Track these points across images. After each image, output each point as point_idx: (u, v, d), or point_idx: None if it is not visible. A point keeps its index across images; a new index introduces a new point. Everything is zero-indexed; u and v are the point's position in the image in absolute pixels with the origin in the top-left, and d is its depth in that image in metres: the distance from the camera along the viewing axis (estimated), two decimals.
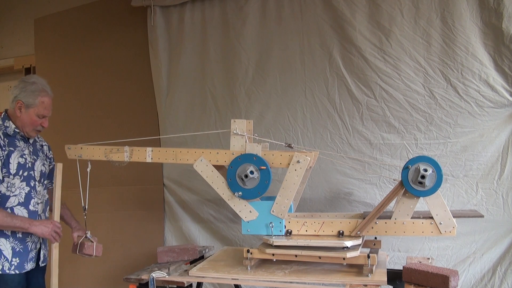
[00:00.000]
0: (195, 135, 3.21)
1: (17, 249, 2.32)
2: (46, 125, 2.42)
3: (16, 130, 2.36)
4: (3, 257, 2.27)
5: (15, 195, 2.32)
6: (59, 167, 2.42)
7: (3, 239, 2.28)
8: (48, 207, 2.54)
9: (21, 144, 2.38)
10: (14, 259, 2.30)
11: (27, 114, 2.34)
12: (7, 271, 2.28)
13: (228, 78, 3.20)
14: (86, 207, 2.48)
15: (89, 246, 2.42)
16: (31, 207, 2.37)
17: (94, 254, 2.43)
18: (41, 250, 2.45)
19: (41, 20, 4.00)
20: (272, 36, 3.07)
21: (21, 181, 2.34)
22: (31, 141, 2.46)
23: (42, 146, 2.58)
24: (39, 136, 2.60)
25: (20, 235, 2.33)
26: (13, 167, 2.30)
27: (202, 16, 3.26)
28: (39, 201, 2.43)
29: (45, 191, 2.50)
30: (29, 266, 2.37)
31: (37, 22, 4.02)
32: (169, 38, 3.37)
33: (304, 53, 2.98)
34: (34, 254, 2.40)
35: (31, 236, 2.37)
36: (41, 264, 2.46)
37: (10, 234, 2.31)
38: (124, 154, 2.42)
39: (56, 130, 3.79)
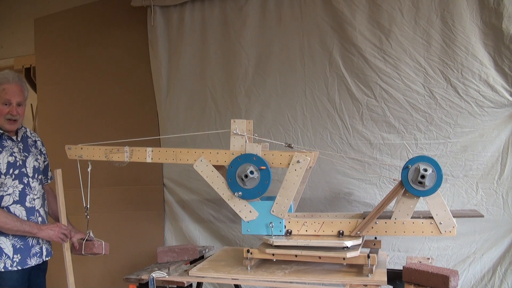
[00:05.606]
0: (195, 135, 3.20)
1: (18, 246, 2.34)
2: (14, 112, 2.36)
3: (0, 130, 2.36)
4: (4, 255, 2.29)
5: (9, 194, 2.33)
6: (58, 173, 2.43)
7: (3, 238, 2.30)
8: (46, 201, 2.55)
9: (8, 143, 2.39)
10: (15, 256, 2.32)
11: None
12: (10, 268, 2.30)
13: (228, 78, 3.20)
14: (88, 206, 2.49)
15: (99, 245, 2.44)
16: (27, 204, 2.38)
17: (103, 253, 2.45)
18: (43, 245, 2.46)
19: (41, 20, 4.00)
20: (272, 36, 3.07)
21: (13, 180, 2.34)
22: (19, 138, 2.46)
23: (35, 141, 2.58)
24: (31, 132, 2.60)
25: None
26: (3, 167, 2.31)
27: (202, 16, 3.25)
28: (35, 197, 2.43)
29: (40, 186, 2.50)
30: (33, 261, 2.39)
31: (37, 22, 4.02)
32: (169, 38, 3.37)
33: (304, 53, 2.98)
34: (38, 249, 2.42)
35: None
36: (44, 259, 2.47)
37: None
38: (124, 154, 2.43)
39: (56, 130, 3.81)
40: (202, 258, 2.70)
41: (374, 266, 2.11)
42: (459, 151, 2.67)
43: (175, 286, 2.30)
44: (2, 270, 2.28)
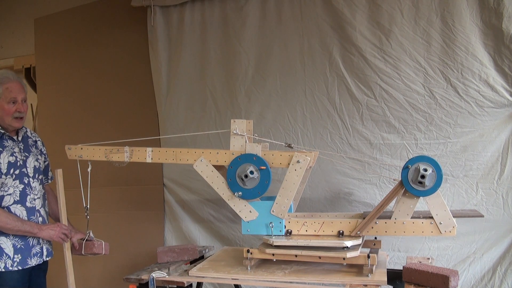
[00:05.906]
0: (195, 135, 3.21)
1: (18, 246, 2.34)
2: (22, 109, 2.38)
3: (1, 131, 2.35)
4: (5, 255, 2.29)
5: (9, 194, 2.33)
6: (59, 173, 2.43)
7: (3, 238, 2.30)
8: (46, 201, 2.55)
9: (9, 143, 2.38)
10: (16, 256, 2.32)
11: None
12: (10, 268, 2.30)
13: (228, 78, 3.20)
14: (88, 206, 2.49)
15: (99, 245, 2.44)
16: (28, 204, 2.38)
17: (103, 253, 2.45)
18: (44, 245, 2.46)
19: (41, 20, 4.00)
20: (272, 36, 3.07)
21: (13, 180, 2.34)
22: (20, 138, 2.46)
23: (35, 141, 2.58)
24: (32, 132, 2.60)
25: None
26: (3, 167, 2.31)
27: (202, 16, 3.25)
28: (35, 197, 2.43)
29: (41, 186, 2.50)
30: (34, 261, 2.39)
31: (37, 22, 4.02)
32: (169, 38, 3.37)
33: (304, 53, 2.98)
34: (38, 249, 2.42)
35: None
36: (45, 259, 2.47)
37: None
38: (124, 154, 2.43)
39: (56, 130, 3.81)
40: (202, 258, 2.71)
41: (374, 266, 2.11)
42: (459, 151, 2.67)
43: (175, 286, 2.30)
44: (3, 270, 2.28)
